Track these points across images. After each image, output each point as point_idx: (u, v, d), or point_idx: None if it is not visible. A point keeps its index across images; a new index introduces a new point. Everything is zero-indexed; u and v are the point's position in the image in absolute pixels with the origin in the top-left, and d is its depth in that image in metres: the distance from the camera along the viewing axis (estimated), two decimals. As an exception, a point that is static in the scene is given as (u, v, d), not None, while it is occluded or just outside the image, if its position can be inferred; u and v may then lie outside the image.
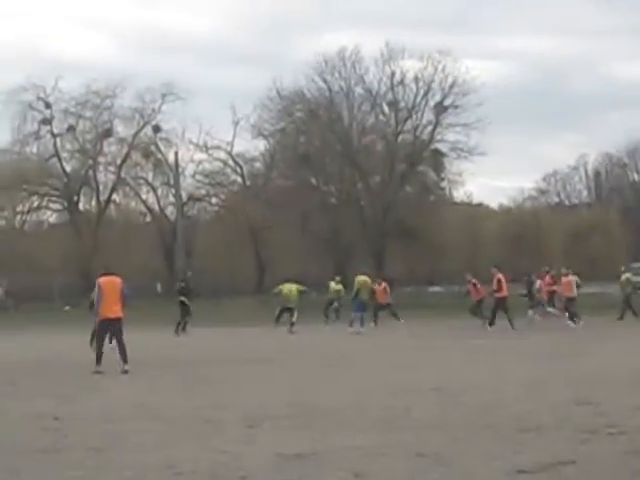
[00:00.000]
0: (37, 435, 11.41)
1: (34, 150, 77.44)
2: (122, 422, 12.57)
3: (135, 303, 47.80)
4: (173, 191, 77.00)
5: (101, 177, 77.91)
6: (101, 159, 77.36)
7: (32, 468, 9.21)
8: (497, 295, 35.30)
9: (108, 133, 77.07)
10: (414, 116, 72.58)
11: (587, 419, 11.74)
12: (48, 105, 75.78)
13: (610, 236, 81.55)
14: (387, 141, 73.61)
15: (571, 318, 36.13)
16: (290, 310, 38.69)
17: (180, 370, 21.59)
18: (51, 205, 79.16)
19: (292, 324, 37.64)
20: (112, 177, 77.29)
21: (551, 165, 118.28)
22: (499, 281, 35.16)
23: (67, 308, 48.13)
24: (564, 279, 38.14)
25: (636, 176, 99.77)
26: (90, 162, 76.85)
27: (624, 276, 41.71)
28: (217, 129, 77.13)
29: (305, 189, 72.99)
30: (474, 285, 38.19)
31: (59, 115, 76.45)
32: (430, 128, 72.73)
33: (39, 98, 75.35)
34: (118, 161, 76.70)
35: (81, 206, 78.46)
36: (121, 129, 77.52)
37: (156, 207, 79.14)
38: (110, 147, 77.60)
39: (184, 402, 14.77)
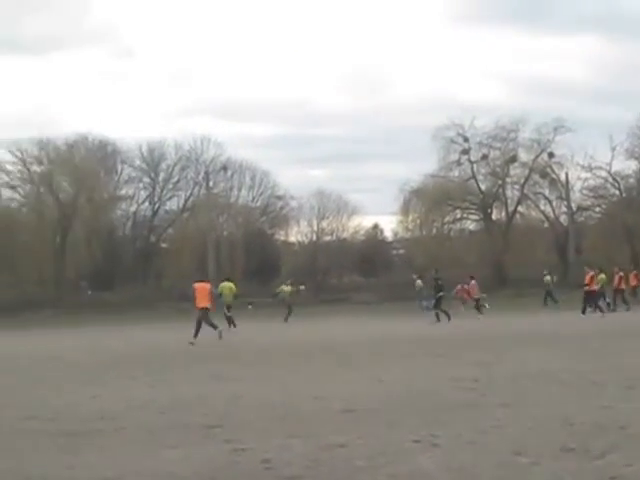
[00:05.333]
0: (461, 394, 11.46)
1: (455, 174, 78.59)
2: (526, 383, 12.49)
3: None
4: (565, 203, 76.28)
5: (508, 194, 78.17)
6: (508, 180, 77.60)
7: (455, 419, 9.25)
8: None
9: (513, 159, 77.10)
10: None
11: None
12: (466, 139, 76.77)
13: None
14: None
15: None
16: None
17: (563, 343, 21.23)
18: (470, 216, 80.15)
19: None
20: (517, 194, 77.41)
21: None
22: None
23: (484, 295, 48.31)
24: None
25: None
26: (499, 182, 77.28)
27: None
28: (598, 153, 75.57)
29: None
30: None
31: (475, 146, 77.26)
32: None
33: (459, 134, 76.58)
34: (522, 181, 76.77)
35: (493, 216, 78.93)
36: (523, 155, 77.41)
37: (551, 215, 78.49)
38: (515, 170, 77.63)
39: (573, 367, 14.50)
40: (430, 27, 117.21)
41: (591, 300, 36.91)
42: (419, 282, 52.05)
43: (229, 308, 35.52)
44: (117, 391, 13.37)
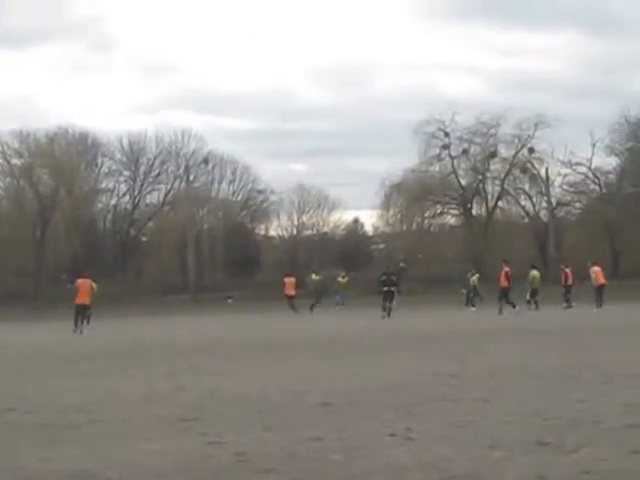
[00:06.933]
0: (437, 388, 11.49)
1: (436, 169, 78.77)
2: (502, 377, 12.53)
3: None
4: (545, 198, 76.45)
5: (488, 189, 78.44)
6: (488, 175, 77.79)
7: (431, 413, 9.29)
8: None
9: (493, 154, 77.37)
10: None
11: None
12: (447, 134, 76.98)
13: None
14: None
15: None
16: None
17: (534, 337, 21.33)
18: (450, 211, 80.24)
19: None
20: (497, 189, 77.67)
21: None
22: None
23: (463, 291, 48.43)
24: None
25: None
26: (480, 177, 77.52)
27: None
28: (578, 149, 75.74)
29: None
30: None
31: (455, 141, 77.49)
32: None
33: (439, 129, 76.75)
34: (502, 176, 76.94)
35: (474, 211, 79.12)
36: (504, 151, 77.68)
37: (532, 211, 78.71)
38: (495, 165, 77.95)
39: (551, 362, 14.56)
40: (411, 21, 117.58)
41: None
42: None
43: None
44: (94, 384, 13.35)
